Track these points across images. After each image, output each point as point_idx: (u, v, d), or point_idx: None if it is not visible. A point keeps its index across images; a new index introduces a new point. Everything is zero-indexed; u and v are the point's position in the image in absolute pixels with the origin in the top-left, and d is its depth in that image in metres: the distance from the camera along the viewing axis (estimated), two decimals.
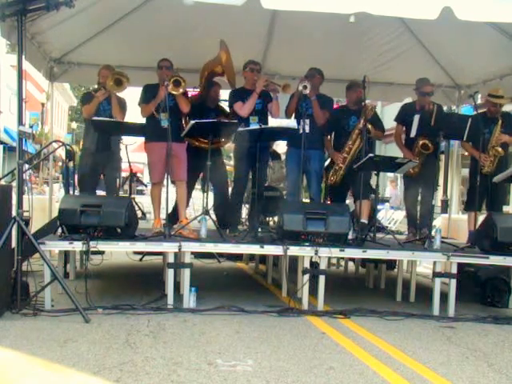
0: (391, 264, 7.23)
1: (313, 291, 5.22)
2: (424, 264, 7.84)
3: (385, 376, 3.56)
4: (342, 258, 7.78)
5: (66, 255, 5.86)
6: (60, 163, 21.63)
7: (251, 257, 7.77)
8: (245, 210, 7.55)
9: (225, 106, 7.01)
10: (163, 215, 6.03)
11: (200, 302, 5.11)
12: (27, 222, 4.85)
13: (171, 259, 5.14)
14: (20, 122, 4.65)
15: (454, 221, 8.33)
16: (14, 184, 5.05)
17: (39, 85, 24.25)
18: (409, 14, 4.82)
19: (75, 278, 5.98)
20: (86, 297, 4.80)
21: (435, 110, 6.16)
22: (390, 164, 5.98)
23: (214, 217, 6.12)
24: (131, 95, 6.90)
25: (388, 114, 12.75)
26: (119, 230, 5.14)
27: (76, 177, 6.86)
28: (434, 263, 5.44)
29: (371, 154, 5.80)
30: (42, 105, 25.29)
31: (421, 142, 6.45)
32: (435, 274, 5.37)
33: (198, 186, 7.34)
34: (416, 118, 6.48)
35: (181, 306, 5.00)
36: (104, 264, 6.55)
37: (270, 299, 5.65)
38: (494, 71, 7.43)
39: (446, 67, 8.00)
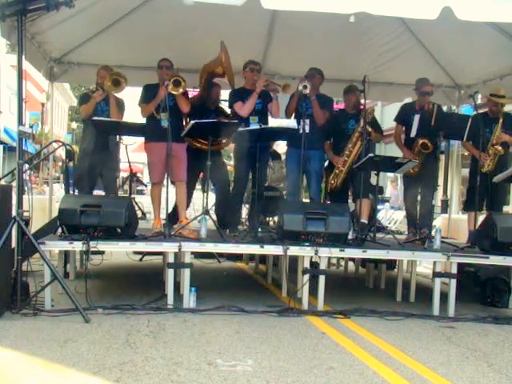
0: (391, 264, 7.24)
1: (313, 291, 5.22)
2: (424, 264, 7.84)
3: (385, 376, 3.56)
4: (342, 258, 7.78)
5: (66, 255, 5.87)
6: (60, 163, 21.66)
7: (251, 257, 7.77)
8: (245, 210, 7.55)
9: (225, 106, 7.01)
10: (163, 215, 6.03)
11: (200, 302, 5.10)
12: (27, 222, 4.85)
13: (171, 259, 5.14)
14: (20, 122, 4.65)
15: (454, 221, 8.33)
16: (14, 184, 5.05)
17: (39, 85, 24.25)
18: (409, 14, 4.82)
19: (75, 278, 5.98)
20: (86, 297, 4.80)
21: (435, 109, 6.16)
22: (390, 164, 5.98)
23: (214, 217, 6.13)
24: (131, 95, 6.91)
25: (388, 114, 12.76)
26: (119, 230, 5.14)
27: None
28: (434, 263, 5.44)
29: (371, 154, 5.80)
30: (42, 105, 25.30)
31: (420, 142, 6.45)
32: (435, 274, 5.37)
33: (198, 186, 7.34)
34: (416, 117, 6.51)
35: (181, 306, 5.00)
36: (104, 264, 6.55)
37: (270, 299, 5.65)
38: (494, 71, 7.43)
39: (446, 67, 8.00)
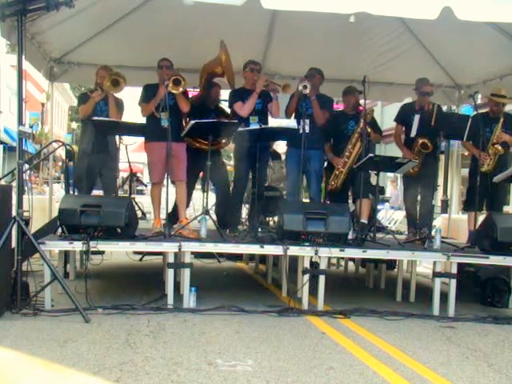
0: (391, 264, 7.24)
1: (313, 291, 5.22)
2: (424, 264, 7.84)
3: (385, 376, 3.56)
4: (342, 258, 7.78)
5: (65, 255, 5.87)
6: (60, 163, 21.65)
7: (251, 257, 7.77)
8: (245, 210, 7.55)
9: (225, 106, 7.01)
10: (163, 215, 6.03)
11: (200, 302, 5.10)
12: (27, 222, 4.85)
13: (171, 259, 5.14)
14: (20, 122, 4.65)
15: (454, 221, 8.33)
16: (14, 184, 5.05)
17: (39, 85, 24.25)
18: (409, 13, 4.82)
19: (75, 278, 5.98)
20: (86, 297, 4.80)
21: (435, 109, 6.16)
22: (390, 164, 5.98)
23: (214, 217, 6.13)
24: (131, 95, 6.91)
25: (388, 114, 12.76)
26: (119, 230, 5.14)
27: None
28: (434, 263, 5.44)
29: (371, 154, 5.80)
30: (42, 105, 25.29)
31: (420, 142, 6.45)
32: (435, 274, 5.37)
33: (198, 186, 7.34)
34: (416, 118, 6.51)
35: (181, 306, 5.00)
36: (104, 264, 6.55)
37: (269, 299, 5.65)
38: (494, 71, 7.43)
39: (446, 67, 8.00)
